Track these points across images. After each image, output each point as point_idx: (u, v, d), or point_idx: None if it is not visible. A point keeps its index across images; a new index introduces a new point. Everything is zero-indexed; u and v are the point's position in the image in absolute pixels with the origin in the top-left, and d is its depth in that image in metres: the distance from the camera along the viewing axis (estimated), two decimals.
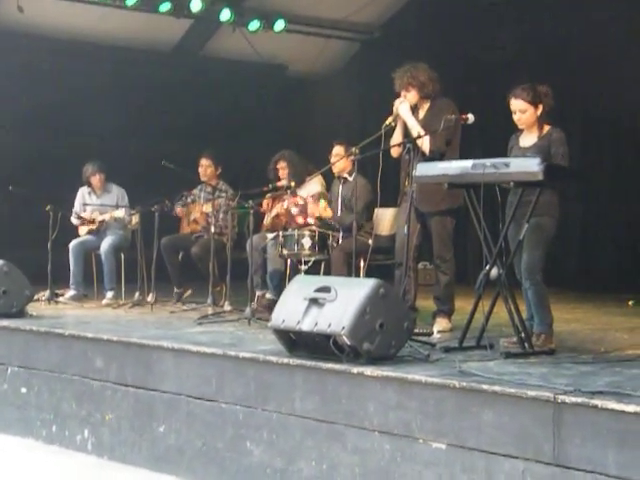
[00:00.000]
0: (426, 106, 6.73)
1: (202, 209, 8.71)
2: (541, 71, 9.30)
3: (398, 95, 6.70)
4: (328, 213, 7.94)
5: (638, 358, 5.28)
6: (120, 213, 8.85)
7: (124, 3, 10.42)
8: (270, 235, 8.12)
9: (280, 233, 7.75)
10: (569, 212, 7.59)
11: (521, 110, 5.75)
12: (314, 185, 8.28)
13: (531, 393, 4.17)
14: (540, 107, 5.75)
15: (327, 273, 7.54)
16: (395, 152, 6.68)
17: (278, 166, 8.50)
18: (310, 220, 7.76)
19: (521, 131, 5.87)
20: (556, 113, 5.86)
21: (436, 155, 6.44)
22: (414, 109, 6.71)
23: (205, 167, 8.87)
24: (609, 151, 10.64)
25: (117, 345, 6.05)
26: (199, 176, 8.91)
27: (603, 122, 10.70)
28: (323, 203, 7.97)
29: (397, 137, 6.69)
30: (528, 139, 5.81)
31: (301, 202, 7.92)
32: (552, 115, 5.83)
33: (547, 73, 8.57)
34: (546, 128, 5.77)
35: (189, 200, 8.95)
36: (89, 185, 9.18)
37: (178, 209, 8.87)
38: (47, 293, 8.41)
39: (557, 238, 5.77)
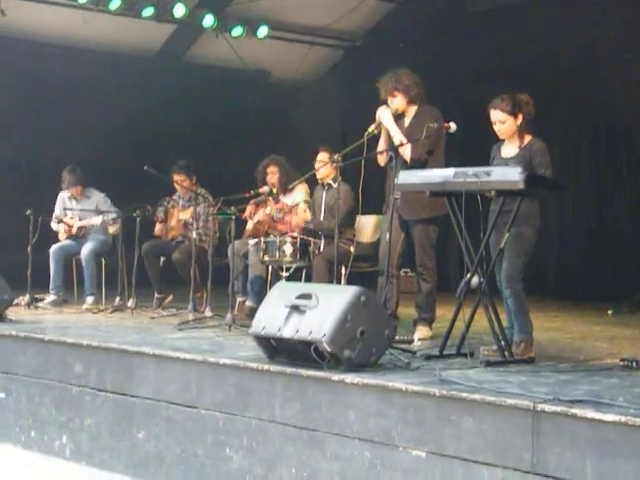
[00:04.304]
0: (412, 113, 6.71)
1: (179, 217, 8.66)
2: (521, 80, 9.34)
3: (384, 103, 6.69)
4: (307, 216, 7.94)
5: (617, 367, 5.31)
6: (97, 220, 8.78)
7: (107, 7, 10.39)
8: (252, 241, 8.10)
9: (262, 239, 7.73)
10: (549, 221, 7.63)
11: (500, 121, 5.77)
12: (299, 193, 8.23)
13: (510, 401, 4.18)
14: (520, 117, 5.76)
15: (308, 280, 7.53)
16: (381, 160, 6.68)
17: (268, 170, 8.32)
18: (294, 232, 7.76)
19: (502, 141, 5.88)
20: (535, 122, 5.89)
21: (417, 164, 6.44)
22: (400, 116, 6.71)
23: (180, 182, 8.69)
24: (588, 161, 10.67)
25: (97, 350, 6.03)
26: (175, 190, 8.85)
27: (582, 131, 10.76)
28: (303, 206, 7.98)
29: (381, 145, 6.69)
30: (509, 149, 5.82)
31: (285, 209, 7.93)
32: (532, 123, 5.86)
33: (527, 82, 8.60)
34: (527, 138, 5.78)
35: (169, 206, 8.90)
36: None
37: (157, 228, 8.77)
38: (27, 298, 8.36)
39: (536, 247, 5.80)
